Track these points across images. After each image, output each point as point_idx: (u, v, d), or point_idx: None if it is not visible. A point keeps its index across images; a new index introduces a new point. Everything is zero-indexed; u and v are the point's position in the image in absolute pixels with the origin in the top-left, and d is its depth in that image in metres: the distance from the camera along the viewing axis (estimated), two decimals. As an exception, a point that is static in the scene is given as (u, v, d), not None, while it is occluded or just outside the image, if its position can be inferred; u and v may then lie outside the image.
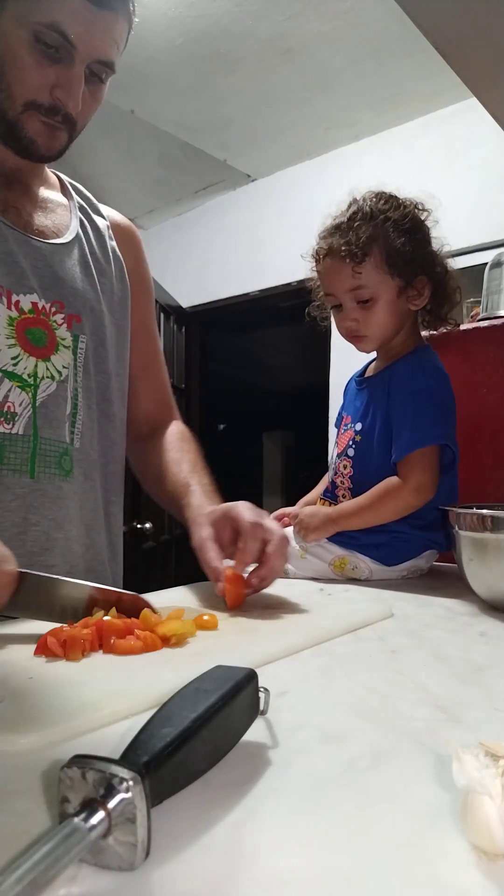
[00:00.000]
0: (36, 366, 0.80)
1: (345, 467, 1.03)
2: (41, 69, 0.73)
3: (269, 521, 0.75)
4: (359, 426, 1.03)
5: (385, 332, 1.01)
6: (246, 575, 0.73)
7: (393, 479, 0.94)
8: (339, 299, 1.00)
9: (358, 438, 1.02)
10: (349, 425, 1.06)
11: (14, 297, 0.78)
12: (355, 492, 1.01)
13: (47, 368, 0.81)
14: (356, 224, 0.96)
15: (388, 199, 1.00)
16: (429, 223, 1.01)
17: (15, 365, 0.78)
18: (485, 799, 0.27)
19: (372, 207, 0.98)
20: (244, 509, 0.76)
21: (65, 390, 0.83)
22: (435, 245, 1.02)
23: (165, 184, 3.49)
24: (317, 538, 0.99)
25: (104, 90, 0.81)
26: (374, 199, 1.00)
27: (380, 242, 0.96)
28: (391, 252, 0.95)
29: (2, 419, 0.76)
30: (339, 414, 1.15)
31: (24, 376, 0.78)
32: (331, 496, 1.06)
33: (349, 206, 1.02)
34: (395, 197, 1.01)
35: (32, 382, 0.79)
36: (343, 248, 0.96)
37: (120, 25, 0.76)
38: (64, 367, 0.83)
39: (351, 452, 1.03)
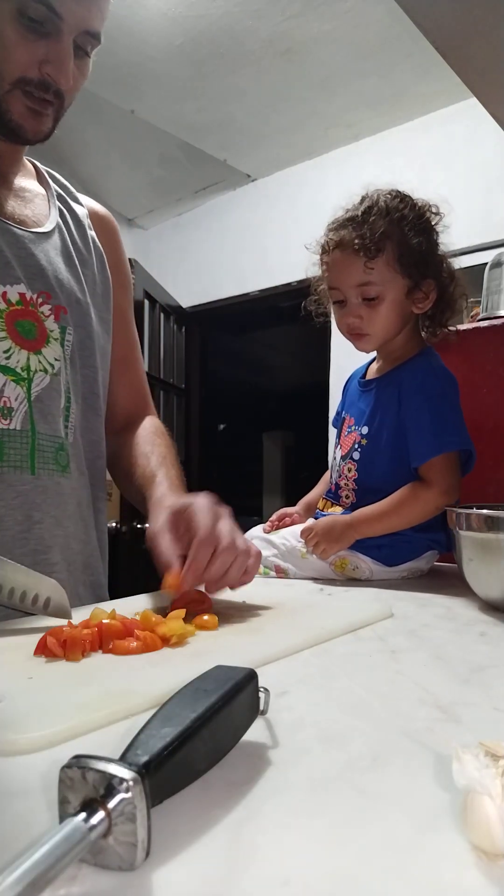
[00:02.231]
0: (28, 359, 0.78)
1: (349, 470, 1.03)
2: (28, 44, 0.70)
3: (223, 525, 0.68)
4: (365, 430, 1.02)
5: (387, 333, 1.00)
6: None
7: (417, 484, 0.94)
8: (343, 294, 0.98)
9: (364, 442, 1.01)
10: (353, 427, 1.05)
11: (1, 288, 0.77)
12: (360, 494, 1.01)
13: (39, 361, 0.79)
14: (372, 218, 0.94)
15: (404, 198, 0.98)
16: (439, 228, 1.00)
17: (7, 358, 0.76)
18: (485, 799, 0.27)
19: (388, 203, 0.96)
20: (201, 509, 0.69)
21: (58, 384, 0.81)
22: (443, 250, 1.01)
23: (165, 184, 3.50)
24: (340, 549, 0.96)
25: (90, 64, 0.78)
26: (389, 196, 0.98)
27: (394, 239, 0.94)
28: (404, 251, 0.94)
29: None
30: (339, 414, 1.14)
31: (18, 370, 0.77)
32: (333, 497, 1.06)
33: (362, 201, 0.99)
34: (410, 196, 0.99)
35: (26, 376, 0.78)
36: (356, 240, 0.93)
37: None
38: (56, 359, 0.81)
39: (356, 455, 1.02)
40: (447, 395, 0.96)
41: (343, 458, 1.05)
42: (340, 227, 0.98)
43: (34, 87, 0.73)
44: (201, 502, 0.71)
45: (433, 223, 0.99)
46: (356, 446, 1.03)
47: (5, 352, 0.76)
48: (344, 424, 1.09)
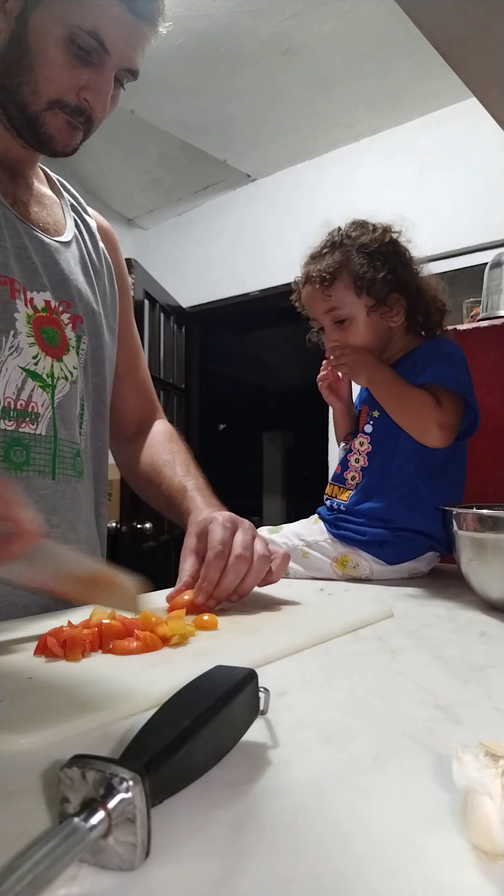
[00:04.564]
0: (52, 366, 0.79)
1: (361, 444, 1.05)
2: (73, 70, 0.73)
3: (238, 536, 0.70)
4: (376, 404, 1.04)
5: (367, 347, 1.03)
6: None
7: (431, 397, 0.95)
8: (320, 322, 1.06)
9: (376, 414, 1.03)
10: (364, 409, 1.07)
11: (29, 295, 0.78)
12: (370, 470, 1.02)
13: (61, 369, 0.81)
14: (325, 252, 1.04)
15: (360, 226, 1.06)
16: (403, 241, 1.05)
17: (36, 364, 0.78)
18: (485, 799, 0.27)
19: (343, 236, 1.05)
20: (216, 526, 0.71)
21: (75, 391, 0.83)
22: (417, 261, 1.05)
23: (165, 184, 3.49)
24: (351, 374, 1.04)
25: (121, 94, 0.82)
26: (350, 228, 1.06)
27: (347, 267, 1.02)
28: (356, 275, 1.01)
29: (27, 419, 0.76)
30: None
31: (44, 376, 0.78)
32: (339, 480, 1.07)
33: (326, 237, 1.07)
34: (367, 223, 1.06)
35: (50, 383, 0.79)
36: (314, 274, 1.03)
37: (151, 35, 0.77)
38: (74, 368, 0.83)
39: (368, 429, 1.04)
40: (465, 361, 1.00)
41: (355, 433, 1.07)
42: (306, 264, 1.07)
43: (70, 110, 0.75)
44: (218, 518, 0.72)
45: (393, 239, 1.04)
46: (368, 420, 1.05)
47: (34, 357, 0.77)
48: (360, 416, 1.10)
